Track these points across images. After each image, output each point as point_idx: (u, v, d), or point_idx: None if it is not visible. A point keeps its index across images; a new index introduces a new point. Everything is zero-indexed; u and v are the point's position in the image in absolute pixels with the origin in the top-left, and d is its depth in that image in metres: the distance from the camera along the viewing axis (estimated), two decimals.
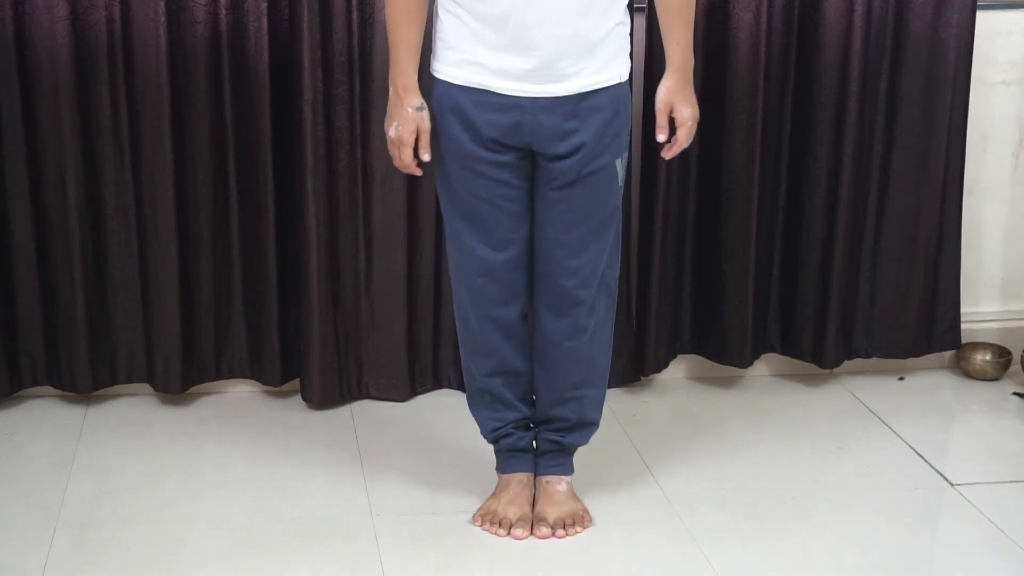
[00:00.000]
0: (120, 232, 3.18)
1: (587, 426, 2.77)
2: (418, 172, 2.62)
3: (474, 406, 2.80)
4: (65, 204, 3.12)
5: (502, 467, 2.80)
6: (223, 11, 3.07)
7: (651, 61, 3.17)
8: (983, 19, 3.35)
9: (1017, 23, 3.48)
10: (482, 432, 2.81)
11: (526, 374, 2.75)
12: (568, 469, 2.79)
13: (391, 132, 2.57)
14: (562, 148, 2.53)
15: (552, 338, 2.68)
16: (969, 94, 3.38)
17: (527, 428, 2.78)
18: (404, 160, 2.58)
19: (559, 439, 2.75)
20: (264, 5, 3.07)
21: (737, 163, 3.29)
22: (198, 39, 3.07)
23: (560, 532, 2.71)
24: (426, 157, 2.58)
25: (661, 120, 2.62)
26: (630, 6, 2.60)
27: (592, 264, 2.63)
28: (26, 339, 3.22)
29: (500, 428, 2.76)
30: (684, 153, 3.24)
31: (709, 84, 3.23)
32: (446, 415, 3.25)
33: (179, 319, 3.21)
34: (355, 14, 3.09)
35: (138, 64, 3.06)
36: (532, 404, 2.78)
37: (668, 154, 2.68)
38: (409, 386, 3.36)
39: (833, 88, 3.26)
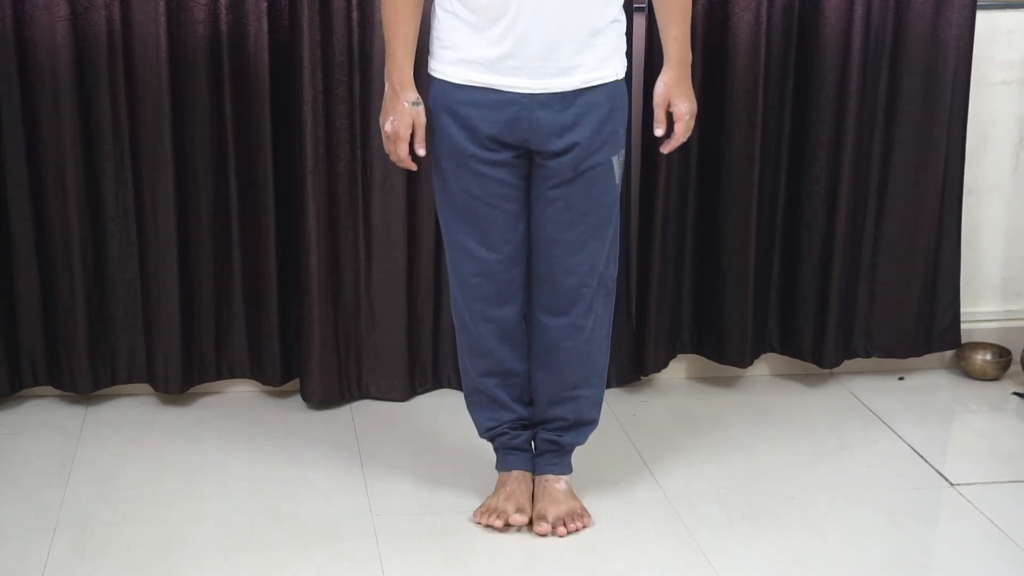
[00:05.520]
0: (120, 232, 3.18)
1: (585, 425, 2.77)
2: (413, 167, 2.63)
3: (470, 405, 2.81)
4: (65, 204, 3.12)
5: (500, 464, 2.80)
6: (223, 11, 3.07)
7: (651, 60, 3.17)
8: (983, 19, 3.35)
9: (1017, 23, 3.48)
10: (478, 431, 2.81)
11: (522, 375, 2.74)
12: (566, 468, 2.79)
13: (387, 127, 2.57)
14: (559, 145, 2.54)
15: (551, 338, 2.68)
16: (969, 94, 3.38)
17: (524, 428, 2.78)
18: (400, 155, 2.59)
19: (556, 438, 2.75)
20: (264, 5, 3.07)
21: (737, 163, 3.29)
22: (198, 39, 3.07)
23: (560, 530, 2.70)
24: (421, 152, 2.59)
25: (659, 115, 2.64)
26: (628, 5, 2.60)
27: (590, 262, 2.63)
28: (26, 339, 3.22)
29: (495, 428, 2.77)
30: (684, 153, 3.25)
31: (709, 84, 3.23)
32: (446, 415, 3.25)
33: (179, 319, 3.21)
34: (355, 14, 3.09)
35: (138, 64, 3.06)
36: (528, 404, 2.77)
37: (666, 149, 2.69)
38: (409, 386, 3.36)
39: (833, 88, 3.26)
